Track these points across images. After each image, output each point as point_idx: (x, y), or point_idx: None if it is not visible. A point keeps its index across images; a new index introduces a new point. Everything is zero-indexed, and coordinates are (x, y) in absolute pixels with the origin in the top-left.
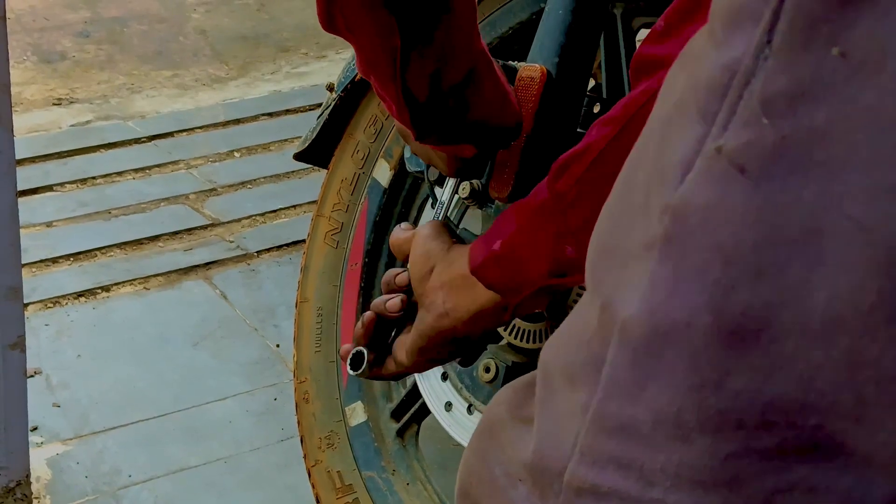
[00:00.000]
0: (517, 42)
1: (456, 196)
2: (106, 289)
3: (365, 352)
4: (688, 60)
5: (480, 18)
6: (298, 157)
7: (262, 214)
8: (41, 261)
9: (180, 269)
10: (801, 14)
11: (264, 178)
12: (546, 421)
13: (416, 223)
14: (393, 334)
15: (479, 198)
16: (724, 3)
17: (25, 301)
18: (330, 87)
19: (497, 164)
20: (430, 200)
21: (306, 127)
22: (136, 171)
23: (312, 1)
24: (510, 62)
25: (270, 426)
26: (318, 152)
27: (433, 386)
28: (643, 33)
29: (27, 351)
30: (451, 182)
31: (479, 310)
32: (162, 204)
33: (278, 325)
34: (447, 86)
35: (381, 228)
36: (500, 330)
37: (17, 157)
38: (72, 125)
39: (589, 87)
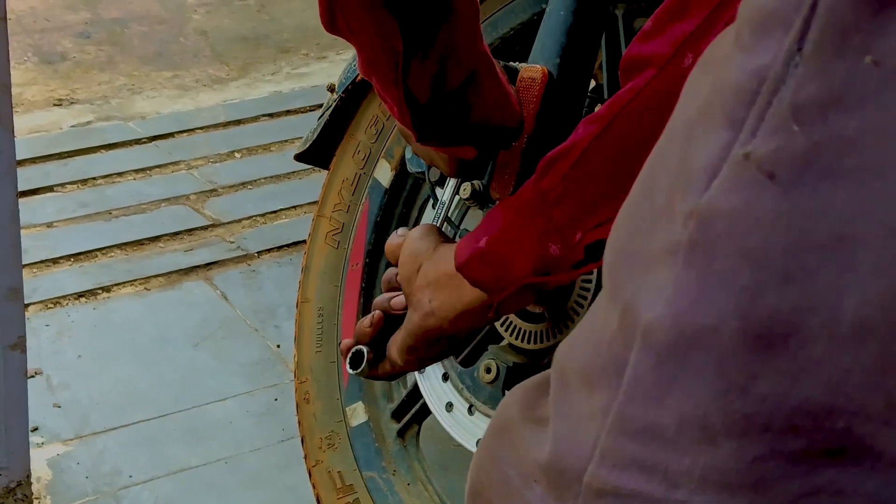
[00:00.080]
0: (518, 43)
1: (457, 197)
2: (106, 289)
3: (364, 350)
4: (711, 65)
5: (482, 19)
6: (299, 157)
7: (263, 215)
8: (42, 261)
9: (181, 270)
10: (834, 22)
11: (265, 178)
12: (562, 422)
13: (417, 224)
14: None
15: (480, 198)
16: (752, 10)
17: (26, 301)
18: (331, 88)
19: (498, 164)
20: (432, 201)
21: (307, 128)
22: (137, 171)
23: (313, 2)
24: (511, 63)
25: (271, 427)
26: (318, 153)
27: (434, 386)
28: None
29: (28, 351)
30: (452, 182)
31: (465, 308)
32: (162, 204)
33: (279, 325)
34: (449, 88)
35: (382, 229)
36: (501, 331)
37: (18, 157)
38: (72, 126)
39: (590, 88)
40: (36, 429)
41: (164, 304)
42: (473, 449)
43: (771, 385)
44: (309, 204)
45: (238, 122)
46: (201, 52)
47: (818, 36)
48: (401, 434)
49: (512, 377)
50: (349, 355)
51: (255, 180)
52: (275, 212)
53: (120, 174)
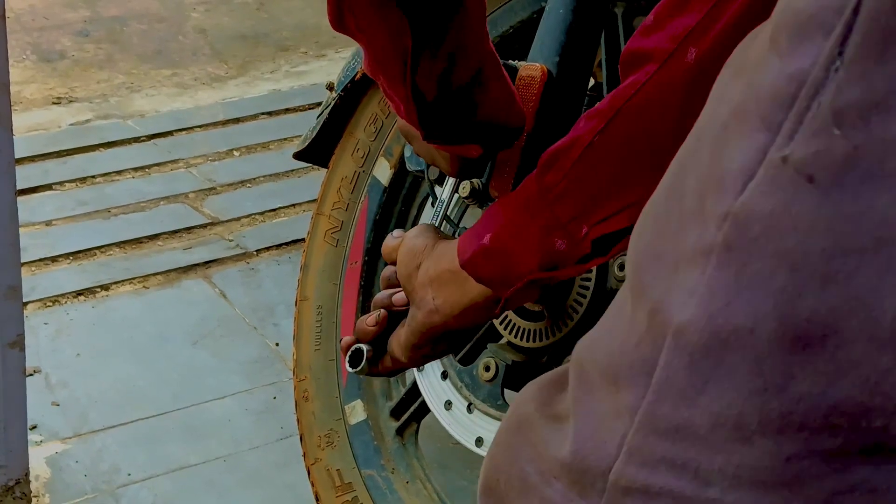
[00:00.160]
0: (518, 41)
1: (456, 195)
2: (105, 287)
3: (364, 349)
4: (743, 69)
5: None
6: (298, 156)
7: (262, 213)
8: (40, 259)
9: (180, 268)
10: (877, 28)
11: (264, 176)
12: (584, 420)
13: (416, 222)
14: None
15: (479, 197)
16: (789, 15)
17: (25, 300)
18: (330, 87)
19: (497, 163)
20: (431, 199)
21: (306, 126)
22: (136, 169)
23: (312, 0)
24: (511, 61)
25: (270, 425)
26: (317, 151)
27: (433, 384)
28: None
29: (26, 350)
30: (451, 181)
31: (470, 304)
32: (161, 203)
33: (278, 323)
34: (456, 85)
35: (381, 227)
36: (501, 329)
37: (17, 155)
38: (71, 124)
39: (589, 86)
40: (35, 427)
41: (162, 303)
42: (472, 447)
43: (808, 385)
44: (308, 202)
45: (237, 121)
46: (200, 51)
47: (860, 40)
48: (399, 432)
49: (511, 375)
50: (348, 353)
51: (254, 178)
52: (274, 210)
53: (119, 172)
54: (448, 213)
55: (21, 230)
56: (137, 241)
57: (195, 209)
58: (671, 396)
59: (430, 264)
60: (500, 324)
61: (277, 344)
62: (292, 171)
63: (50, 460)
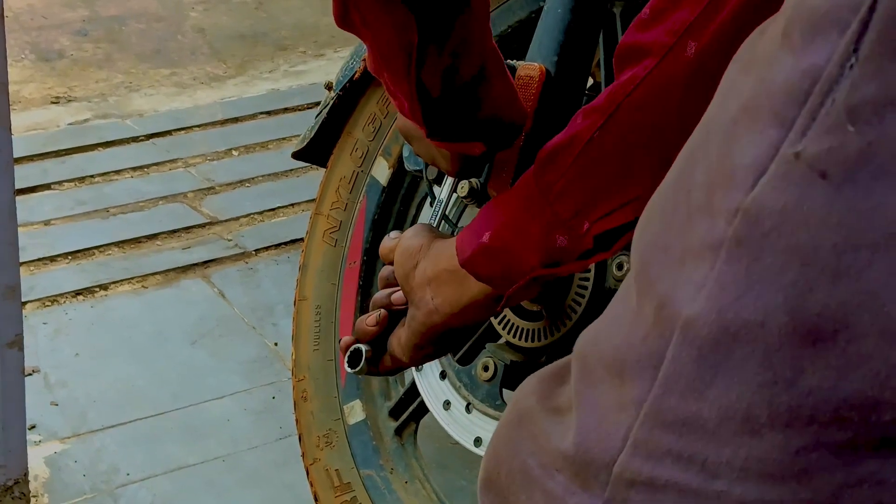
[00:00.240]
0: (516, 41)
1: (454, 195)
2: (104, 287)
3: (363, 349)
4: (753, 64)
5: None
6: (297, 155)
7: (261, 213)
8: (39, 259)
9: (178, 268)
10: (893, 25)
11: (262, 176)
12: (588, 413)
13: (414, 222)
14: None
15: (477, 196)
16: (803, 11)
17: (23, 299)
18: (328, 86)
19: (496, 162)
20: (429, 199)
21: (304, 125)
22: (135, 169)
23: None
24: (509, 61)
25: (269, 424)
26: (316, 151)
27: (431, 384)
28: None
29: (25, 349)
30: (449, 180)
31: (469, 302)
32: (160, 202)
33: (276, 323)
34: (460, 81)
35: (379, 227)
36: (499, 329)
37: (16, 155)
38: (70, 124)
39: (588, 86)
40: (33, 427)
41: (161, 302)
42: (471, 447)
43: (818, 378)
44: (307, 202)
45: (236, 120)
46: (199, 50)
47: (876, 38)
48: (398, 432)
49: (509, 375)
50: (347, 354)
51: (252, 178)
52: (272, 209)
53: (117, 172)
54: (446, 213)
55: (20, 230)
56: (136, 241)
57: (194, 209)
58: (679, 389)
59: (428, 264)
60: (499, 324)
61: (276, 344)
62: (291, 170)
63: (49, 460)
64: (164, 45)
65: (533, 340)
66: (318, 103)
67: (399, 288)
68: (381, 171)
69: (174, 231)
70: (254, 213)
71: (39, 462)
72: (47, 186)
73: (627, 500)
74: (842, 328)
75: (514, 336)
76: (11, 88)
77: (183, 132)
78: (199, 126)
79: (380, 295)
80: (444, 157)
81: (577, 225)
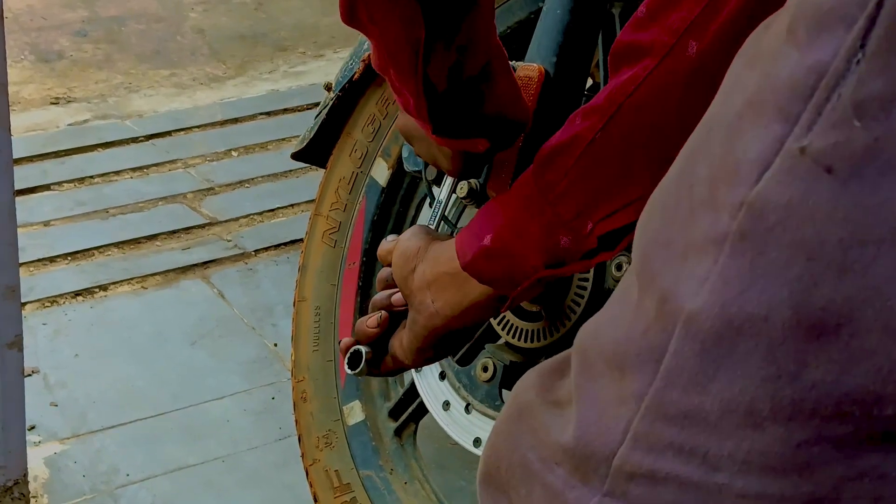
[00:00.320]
0: (515, 41)
1: (454, 195)
2: (104, 288)
3: (363, 350)
4: (757, 59)
5: None
6: (296, 156)
7: (260, 213)
8: (39, 260)
9: (178, 269)
10: None
11: (262, 177)
12: (588, 407)
13: (413, 223)
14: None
15: (476, 197)
16: (808, 7)
17: (23, 300)
18: (328, 87)
19: (495, 163)
20: (428, 200)
21: (304, 126)
22: (134, 170)
23: (310, 0)
24: (508, 61)
25: (268, 425)
26: (315, 151)
27: (431, 385)
28: None
29: (25, 350)
30: (448, 181)
31: (471, 304)
32: (159, 203)
33: (276, 324)
34: (466, 77)
35: (378, 228)
36: (499, 329)
37: (15, 156)
38: (69, 124)
39: (587, 86)
40: (33, 427)
41: (161, 303)
42: (470, 448)
43: (821, 373)
44: (306, 202)
45: (235, 121)
46: (198, 51)
47: (884, 34)
48: (398, 433)
49: (509, 376)
50: (347, 355)
51: (252, 179)
52: (272, 210)
53: (117, 173)
54: (446, 214)
55: (19, 230)
56: (136, 242)
57: (193, 209)
58: (681, 383)
59: (426, 267)
60: (498, 324)
61: (276, 344)
62: (290, 171)
63: (48, 461)
64: (164, 45)
65: (532, 341)
66: (317, 104)
67: (398, 289)
68: (381, 172)
69: (174, 232)
70: (253, 214)
71: (39, 463)
72: (47, 187)
73: (627, 493)
74: (846, 323)
75: (513, 337)
76: (11, 89)
77: (182, 133)
78: (198, 127)
79: (379, 296)
80: (445, 157)
81: (580, 225)
